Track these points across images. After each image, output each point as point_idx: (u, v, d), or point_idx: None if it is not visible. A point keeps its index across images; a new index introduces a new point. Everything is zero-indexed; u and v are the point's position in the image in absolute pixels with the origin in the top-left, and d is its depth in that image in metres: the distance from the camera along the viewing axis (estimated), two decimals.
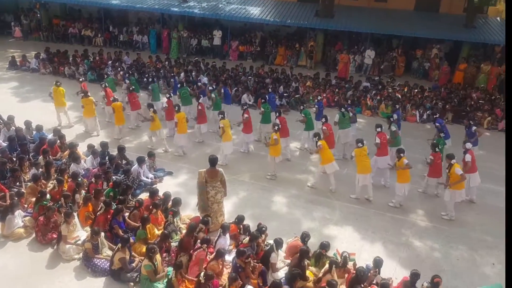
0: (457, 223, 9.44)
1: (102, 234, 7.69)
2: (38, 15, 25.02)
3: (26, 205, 8.79)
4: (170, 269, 7.10)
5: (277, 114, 11.70)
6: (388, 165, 10.43)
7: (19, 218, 8.24)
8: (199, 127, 12.58)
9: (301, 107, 12.75)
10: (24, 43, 23.62)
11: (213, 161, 8.53)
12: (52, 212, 8.02)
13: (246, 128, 11.87)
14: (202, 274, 6.50)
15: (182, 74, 17.12)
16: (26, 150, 10.74)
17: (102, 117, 13.64)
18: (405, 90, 17.24)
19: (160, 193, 8.95)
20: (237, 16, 21.84)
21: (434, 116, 12.75)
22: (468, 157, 9.85)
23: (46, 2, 24.83)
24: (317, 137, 10.30)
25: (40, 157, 10.29)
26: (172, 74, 16.65)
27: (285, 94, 16.14)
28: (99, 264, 7.35)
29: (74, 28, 24.05)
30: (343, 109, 12.10)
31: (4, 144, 10.86)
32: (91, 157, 10.55)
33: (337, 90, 16.86)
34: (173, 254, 7.52)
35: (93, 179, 9.25)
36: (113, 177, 9.68)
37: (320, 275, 6.98)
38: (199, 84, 16.28)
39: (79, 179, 9.22)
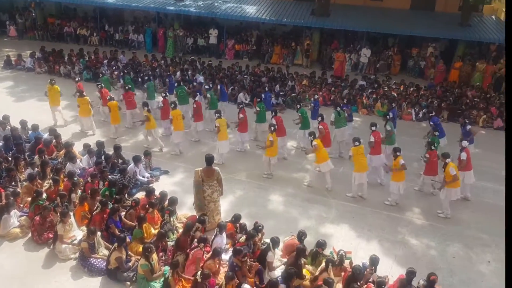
0: (453, 221, 9.48)
1: (99, 233, 7.66)
2: (33, 14, 24.84)
3: (22, 205, 8.77)
4: (167, 268, 7.11)
5: (273, 113, 11.69)
6: (384, 165, 10.45)
7: (15, 218, 8.21)
8: (195, 125, 12.56)
9: (297, 106, 12.74)
10: (19, 42, 23.47)
11: (209, 160, 8.55)
12: (48, 211, 8.00)
13: (242, 127, 11.86)
14: (198, 273, 6.50)
15: (178, 73, 17.04)
16: (21, 149, 10.70)
17: (98, 116, 13.60)
18: (401, 88, 17.29)
19: (157, 192, 8.93)
20: (233, 14, 21.79)
21: (430, 115, 12.78)
22: (463, 155, 9.90)
23: (41, 1, 24.67)
24: (312, 136, 10.31)
25: (36, 157, 10.23)
26: (168, 73, 16.58)
27: (281, 93, 16.12)
28: (95, 263, 7.34)
29: (69, 27, 23.88)
30: (338, 108, 12.12)
31: None
32: (87, 156, 10.52)
33: (333, 88, 16.89)
34: (169, 253, 7.53)
35: (89, 179, 9.21)
36: (109, 176, 9.64)
37: (317, 273, 6.99)
38: (195, 83, 16.24)
39: (75, 179, 9.19)
